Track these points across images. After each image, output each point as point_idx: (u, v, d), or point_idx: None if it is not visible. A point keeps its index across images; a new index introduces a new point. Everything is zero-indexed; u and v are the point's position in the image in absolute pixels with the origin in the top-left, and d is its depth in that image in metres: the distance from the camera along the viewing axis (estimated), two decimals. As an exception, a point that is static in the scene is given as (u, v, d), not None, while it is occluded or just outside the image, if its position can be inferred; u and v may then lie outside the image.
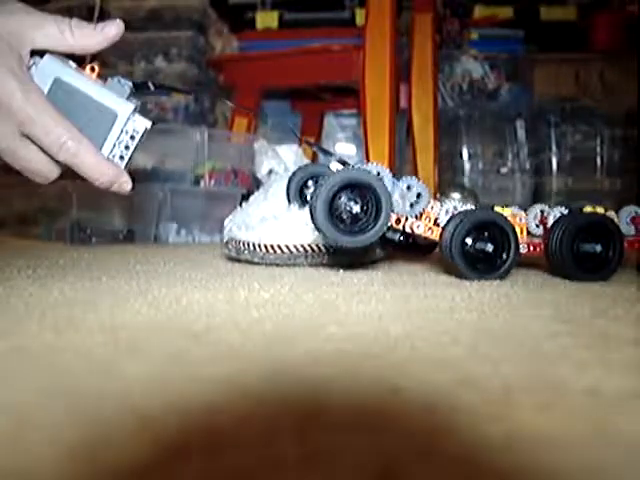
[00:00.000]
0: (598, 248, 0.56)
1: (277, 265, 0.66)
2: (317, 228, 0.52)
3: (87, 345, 0.29)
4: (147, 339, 0.30)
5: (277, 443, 0.18)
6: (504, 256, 0.55)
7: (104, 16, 1.76)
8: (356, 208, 0.52)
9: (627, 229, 0.62)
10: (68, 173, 0.50)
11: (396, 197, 0.55)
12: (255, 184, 0.99)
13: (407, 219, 0.56)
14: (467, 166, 1.76)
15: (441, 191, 1.49)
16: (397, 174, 0.56)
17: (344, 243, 0.52)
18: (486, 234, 0.55)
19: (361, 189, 0.52)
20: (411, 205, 0.55)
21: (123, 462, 0.17)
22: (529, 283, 0.53)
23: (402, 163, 1.61)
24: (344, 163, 0.61)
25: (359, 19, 1.61)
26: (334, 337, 0.31)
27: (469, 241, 0.55)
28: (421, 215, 0.56)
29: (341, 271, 0.61)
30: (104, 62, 1.74)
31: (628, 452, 0.18)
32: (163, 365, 0.26)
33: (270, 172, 0.74)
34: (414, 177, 0.56)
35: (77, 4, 1.87)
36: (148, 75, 1.73)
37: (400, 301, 0.42)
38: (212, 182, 1.15)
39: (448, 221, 0.55)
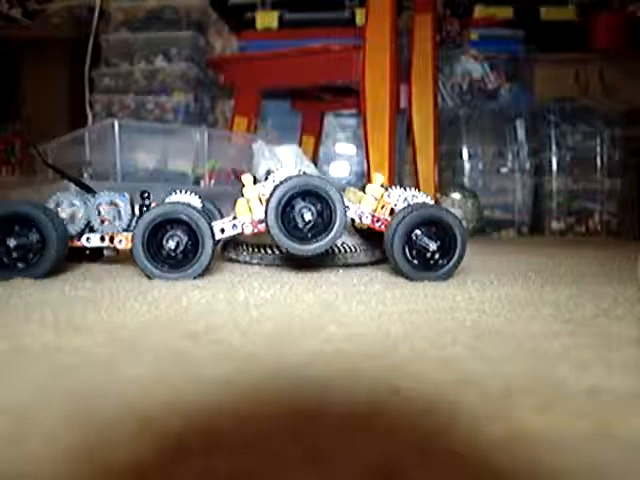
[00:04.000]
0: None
1: (277, 266, 0.66)
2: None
3: (87, 345, 0.29)
4: (147, 339, 0.30)
5: (277, 443, 0.18)
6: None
7: (104, 16, 1.76)
8: None
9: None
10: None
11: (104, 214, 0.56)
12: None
13: (117, 234, 0.56)
14: (467, 166, 1.76)
15: (441, 191, 1.49)
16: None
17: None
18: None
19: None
20: (111, 219, 0.56)
21: (123, 462, 0.17)
22: (530, 283, 0.53)
23: (402, 163, 1.61)
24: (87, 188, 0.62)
25: (359, 19, 1.61)
26: (334, 337, 0.31)
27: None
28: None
29: (341, 271, 0.61)
30: (107, 62, 1.74)
31: (628, 452, 0.18)
32: (163, 365, 0.26)
33: (268, 173, 0.75)
34: (113, 193, 0.57)
35: (77, 4, 1.87)
36: (148, 75, 1.73)
37: (400, 301, 0.42)
38: (212, 182, 1.15)
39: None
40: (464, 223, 1.49)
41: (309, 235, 0.52)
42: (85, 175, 1.12)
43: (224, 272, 0.60)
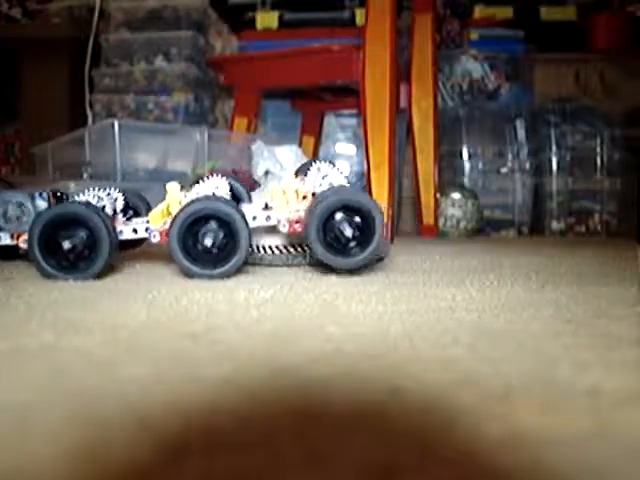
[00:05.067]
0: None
1: (276, 266, 0.66)
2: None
3: (87, 345, 0.29)
4: (147, 339, 0.30)
5: (277, 443, 0.18)
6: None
7: (104, 16, 1.76)
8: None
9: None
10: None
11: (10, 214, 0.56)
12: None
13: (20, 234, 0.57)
14: (467, 166, 1.76)
15: (441, 191, 1.49)
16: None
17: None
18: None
19: None
20: (17, 218, 0.56)
21: (123, 462, 0.17)
22: (530, 283, 0.53)
23: (402, 163, 1.61)
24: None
25: (359, 19, 1.61)
26: (334, 337, 0.31)
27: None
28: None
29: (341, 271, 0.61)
30: (107, 62, 1.74)
31: (628, 452, 0.18)
32: (163, 365, 0.26)
33: (266, 173, 0.75)
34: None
35: (77, 4, 1.87)
36: (148, 75, 1.73)
37: (400, 301, 0.42)
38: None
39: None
40: (463, 223, 1.49)
41: (216, 258, 0.52)
42: (85, 175, 1.12)
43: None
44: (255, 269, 0.63)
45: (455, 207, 1.49)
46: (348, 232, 0.51)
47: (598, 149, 1.71)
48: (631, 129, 1.68)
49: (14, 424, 0.19)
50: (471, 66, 1.74)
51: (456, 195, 1.50)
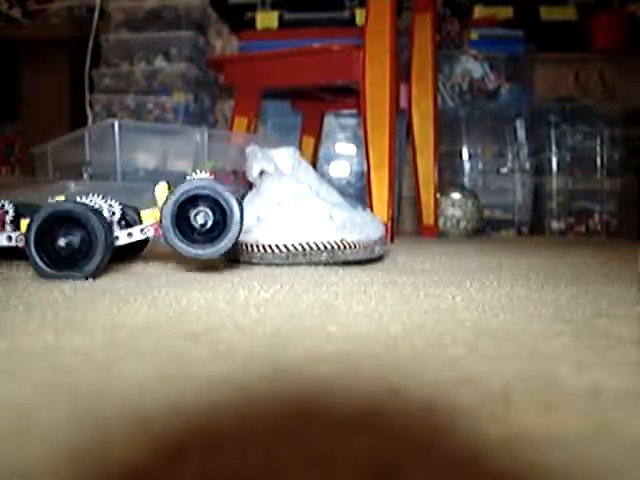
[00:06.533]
0: None
1: (276, 265, 0.66)
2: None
3: (87, 345, 0.29)
4: (147, 339, 0.30)
5: (277, 443, 0.18)
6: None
7: (104, 16, 1.76)
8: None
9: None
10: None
11: None
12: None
13: None
14: (467, 166, 1.76)
15: (441, 191, 1.49)
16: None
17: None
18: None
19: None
20: None
21: (123, 462, 0.17)
22: (530, 283, 0.53)
23: (402, 163, 1.61)
24: None
25: (359, 19, 1.61)
26: (334, 337, 0.31)
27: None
28: None
29: (341, 271, 0.61)
30: (107, 62, 1.74)
31: (628, 452, 0.18)
32: (163, 365, 0.26)
33: (261, 173, 0.75)
34: None
35: (77, 4, 1.87)
36: (148, 75, 1.73)
37: (400, 301, 0.42)
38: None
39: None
40: (463, 223, 1.49)
41: (73, 260, 0.52)
42: (85, 175, 1.12)
43: (224, 272, 0.60)
44: (254, 269, 0.63)
45: (455, 207, 1.49)
46: (201, 222, 0.52)
47: (598, 149, 1.71)
48: (631, 129, 1.69)
49: (14, 424, 0.19)
50: (471, 66, 1.75)
51: (456, 195, 1.50)
